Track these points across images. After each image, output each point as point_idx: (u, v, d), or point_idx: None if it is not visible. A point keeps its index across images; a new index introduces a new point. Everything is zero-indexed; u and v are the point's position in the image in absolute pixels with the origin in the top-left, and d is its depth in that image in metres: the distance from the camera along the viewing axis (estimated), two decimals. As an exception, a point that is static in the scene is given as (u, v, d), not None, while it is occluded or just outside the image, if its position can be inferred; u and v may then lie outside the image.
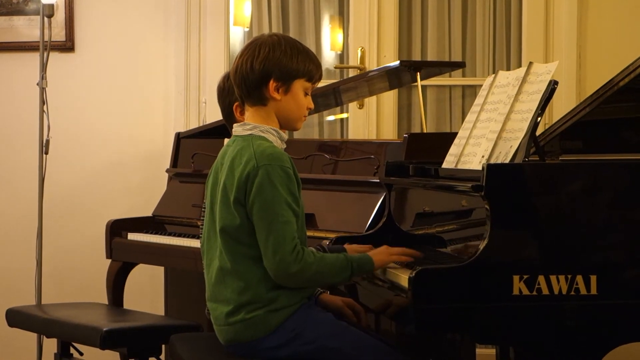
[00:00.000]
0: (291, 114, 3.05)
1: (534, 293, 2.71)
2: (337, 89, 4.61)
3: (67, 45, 5.39)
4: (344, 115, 5.47)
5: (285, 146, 3.07)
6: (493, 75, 3.30)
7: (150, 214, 4.78)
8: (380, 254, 3.05)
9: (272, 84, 2.99)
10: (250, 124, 3.03)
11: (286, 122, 3.07)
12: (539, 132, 3.07)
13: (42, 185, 4.90)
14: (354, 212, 3.88)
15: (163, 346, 3.99)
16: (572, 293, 2.72)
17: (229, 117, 3.50)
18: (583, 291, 2.73)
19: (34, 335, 4.83)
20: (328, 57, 5.51)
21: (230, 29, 5.41)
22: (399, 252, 3.06)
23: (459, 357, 3.83)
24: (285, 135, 3.07)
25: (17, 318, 4.27)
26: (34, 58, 5.08)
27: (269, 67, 2.99)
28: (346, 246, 3.26)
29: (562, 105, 4.87)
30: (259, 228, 2.91)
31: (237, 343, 2.98)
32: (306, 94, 3.06)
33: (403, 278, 2.84)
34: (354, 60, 5.30)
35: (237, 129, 3.06)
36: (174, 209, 4.70)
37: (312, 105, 3.09)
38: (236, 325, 2.96)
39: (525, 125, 2.91)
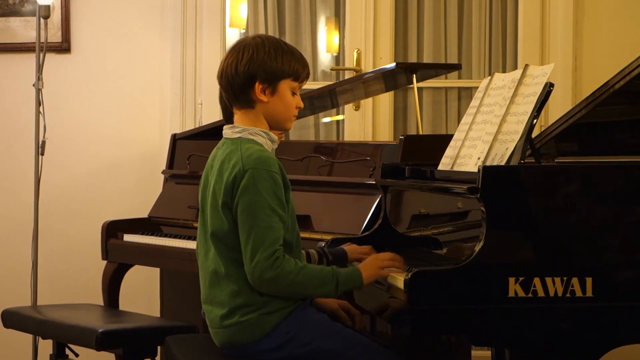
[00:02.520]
0: (279, 115, 3.04)
1: (530, 295, 2.71)
2: (333, 91, 4.61)
3: (63, 47, 5.39)
4: (340, 117, 5.47)
5: (276, 147, 3.06)
6: (489, 77, 3.31)
7: (146, 215, 4.78)
8: (369, 268, 2.98)
9: (257, 86, 2.98)
10: (240, 126, 3.02)
11: (275, 123, 3.05)
12: (534, 134, 3.08)
13: (37, 186, 4.90)
14: (350, 214, 3.88)
15: (158, 347, 3.99)
16: (568, 295, 2.72)
17: (231, 119, 3.50)
18: (579, 293, 2.73)
19: (30, 337, 4.82)
20: (324, 59, 5.51)
21: (226, 31, 5.41)
22: (389, 262, 3.02)
23: (454, 359, 3.84)
24: (275, 136, 3.06)
25: (12, 319, 4.26)
26: (30, 59, 5.08)
27: (253, 69, 2.97)
28: (345, 246, 3.24)
29: (558, 108, 4.87)
30: (241, 231, 2.89)
31: (232, 346, 2.98)
32: (294, 94, 3.05)
33: (399, 280, 2.84)
34: (350, 62, 5.30)
35: (226, 132, 3.06)
36: (169, 211, 4.70)
37: (301, 105, 3.08)
38: (231, 328, 2.96)
39: (521, 128, 2.92)
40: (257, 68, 2.97)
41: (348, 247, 3.23)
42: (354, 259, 3.20)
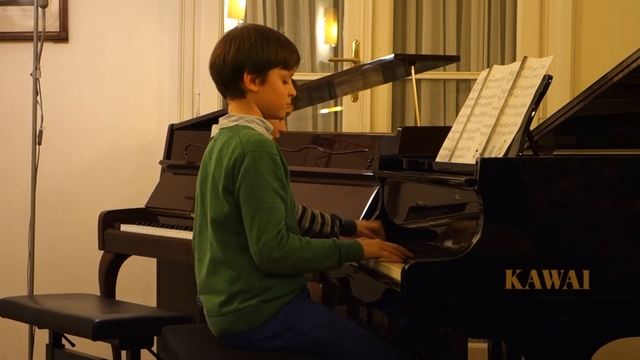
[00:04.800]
0: (271, 104, 3.06)
1: (527, 287, 2.71)
2: (331, 82, 4.61)
3: (61, 36, 5.38)
4: (338, 109, 5.47)
5: (271, 137, 3.08)
6: (487, 69, 3.30)
7: (143, 206, 4.78)
8: (372, 244, 3.05)
9: (246, 77, 3.01)
10: (236, 115, 3.05)
11: (268, 112, 3.08)
12: (532, 126, 3.07)
13: (35, 176, 4.89)
14: (347, 205, 3.88)
15: (155, 337, 3.99)
16: (565, 288, 2.72)
17: None
18: (576, 286, 2.73)
19: (26, 326, 4.82)
20: (322, 50, 5.51)
21: (224, 21, 5.40)
22: (391, 248, 3.06)
23: (451, 351, 3.84)
24: (270, 125, 3.08)
25: (9, 308, 4.26)
26: (27, 48, 5.08)
27: (240, 60, 3.00)
28: (356, 222, 3.35)
29: (557, 100, 4.86)
30: (245, 213, 2.92)
31: (229, 334, 2.98)
32: (285, 82, 3.06)
33: (396, 271, 2.84)
34: (348, 53, 5.29)
35: (222, 122, 3.08)
36: (166, 201, 4.70)
37: (294, 92, 3.10)
38: (229, 315, 2.96)
39: (519, 120, 2.91)
40: (244, 59, 3.00)
41: (358, 222, 3.32)
42: (361, 232, 3.33)
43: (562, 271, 2.72)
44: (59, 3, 5.35)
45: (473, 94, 3.30)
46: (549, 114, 4.15)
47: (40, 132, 4.86)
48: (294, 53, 3.08)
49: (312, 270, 3.11)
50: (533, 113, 2.91)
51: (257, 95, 3.04)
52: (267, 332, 2.95)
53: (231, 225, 2.95)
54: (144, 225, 4.60)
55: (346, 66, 5.26)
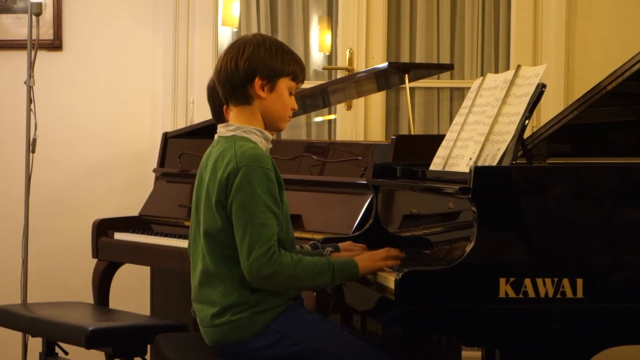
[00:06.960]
0: (276, 113, 3.04)
1: (520, 296, 2.71)
2: (325, 90, 4.61)
3: (55, 44, 5.37)
4: (332, 117, 5.47)
5: (270, 146, 3.06)
6: (481, 77, 3.31)
7: (136, 214, 4.77)
8: (366, 259, 3.01)
9: (257, 82, 2.99)
10: (234, 124, 3.02)
11: (271, 122, 3.06)
12: (526, 135, 3.08)
13: (28, 184, 4.89)
14: (341, 214, 3.88)
15: (148, 346, 3.98)
16: (559, 296, 2.72)
17: (220, 118, 3.49)
18: (569, 294, 2.73)
19: (19, 335, 4.81)
20: (316, 58, 5.51)
21: (218, 29, 5.40)
22: (385, 257, 3.04)
23: (445, 359, 3.84)
24: (270, 135, 3.06)
25: (2, 317, 4.25)
26: (21, 56, 5.07)
27: (254, 65, 2.99)
28: (340, 245, 3.27)
29: (550, 109, 4.87)
30: (236, 228, 2.90)
31: (222, 344, 2.98)
32: (290, 94, 3.06)
33: (390, 280, 2.83)
34: (342, 61, 5.30)
35: (221, 130, 3.06)
36: (160, 209, 4.69)
37: (295, 106, 3.09)
38: (222, 327, 2.95)
39: (513, 128, 2.92)
40: (258, 64, 2.99)
41: (342, 244, 3.26)
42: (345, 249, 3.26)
43: (555, 279, 2.72)
44: (53, 11, 5.35)
45: (467, 102, 3.30)
46: (542, 122, 4.15)
47: (34, 140, 4.86)
48: (304, 70, 3.09)
49: (304, 288, 3.07)
50: (527, 121, 2.91)
51: (264, 102, 3.02)
52: (260, 343, 2.94)
53: (224, 239, 2.94)
54: (137, 233, 4.59)
55: (340, 74, 5.26)
